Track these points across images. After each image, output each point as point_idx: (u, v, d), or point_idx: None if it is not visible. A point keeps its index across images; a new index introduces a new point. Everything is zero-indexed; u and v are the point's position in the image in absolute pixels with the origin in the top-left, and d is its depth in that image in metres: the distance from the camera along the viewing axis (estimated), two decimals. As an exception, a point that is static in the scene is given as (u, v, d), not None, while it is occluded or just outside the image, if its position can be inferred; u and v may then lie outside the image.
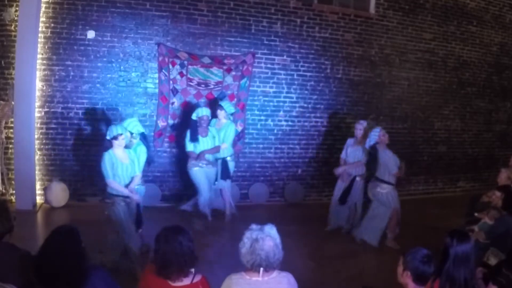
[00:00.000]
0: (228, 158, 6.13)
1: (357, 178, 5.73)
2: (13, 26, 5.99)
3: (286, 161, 7.53)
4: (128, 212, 4.29)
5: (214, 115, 6.15)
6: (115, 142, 4.26)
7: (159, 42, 6.57)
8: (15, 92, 5.91)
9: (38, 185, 6.37)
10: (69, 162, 6.42)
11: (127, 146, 4.50)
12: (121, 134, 4.28)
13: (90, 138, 6.46)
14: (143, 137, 4.86)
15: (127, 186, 4.32)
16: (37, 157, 6.32)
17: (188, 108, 6.68)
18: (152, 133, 6.71)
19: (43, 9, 6.07)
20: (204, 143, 5.80)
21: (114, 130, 4.27)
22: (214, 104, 6.48)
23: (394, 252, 5.04)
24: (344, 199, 5.71)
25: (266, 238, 2.34)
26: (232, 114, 6.31)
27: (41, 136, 6.35)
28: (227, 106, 6.22)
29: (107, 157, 4.25)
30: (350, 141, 5.94)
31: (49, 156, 6.42)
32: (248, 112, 7.17)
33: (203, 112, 5.80)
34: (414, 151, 8.29)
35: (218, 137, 5.91)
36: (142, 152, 4.73)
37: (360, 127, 5.80)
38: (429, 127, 8.59)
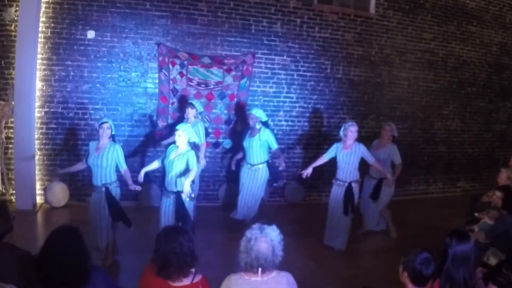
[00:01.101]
0: None
1: (353, 185, 5.32)
2: (13, 26, 6.00)
3: (286, 161, 7.50)
4: (167, 208, 4.51)
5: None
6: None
7: (159, 42, 6.57)
8: (15, 92, 5.91)
9: (38, 185, 6.37)
10: (69, 162, 6.40)
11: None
12: (176, 130, 4.50)
13: (90, 138, 6.45)
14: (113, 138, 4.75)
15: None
16: (37, 157, 6.32)
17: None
18: (152, 134, 6.73)
19: (43, 9, 6.07)
20: (250, 143, 5.80)
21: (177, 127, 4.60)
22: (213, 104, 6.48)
23: (394, 252, 5.04)
24: (347, 209, 5.30)
25: (261, 239, 2.34)
26: (200, 113, 6.07)
27: (41, 136, 6.35)
28: (198, 104, 6.07)
29: (168, 148, 4.66)
30: (338, 145, 5.42)
31: (49, 156, 6.42)
32: (248, 112, 7.16)
33: (250, 110, 5.98)
34: (414, 151, 8.28)
35: (260, 140, 5.79)
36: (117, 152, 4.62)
37: (355, 129, 5.31)
38: (429, 127, 8.59)
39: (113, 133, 4.63)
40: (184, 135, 4.45)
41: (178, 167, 4.41)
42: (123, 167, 4.59)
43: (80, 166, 4.90)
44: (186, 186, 4.23)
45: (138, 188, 4.60)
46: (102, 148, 4.55)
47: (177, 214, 4.43)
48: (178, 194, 4.42)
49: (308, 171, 5.43)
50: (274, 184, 6.07)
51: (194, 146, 4.60)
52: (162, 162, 4.62)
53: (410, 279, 2.36)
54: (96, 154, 4.54)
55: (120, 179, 4.68)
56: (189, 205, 4.52)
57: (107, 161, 4.50)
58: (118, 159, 4.55)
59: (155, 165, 4.78)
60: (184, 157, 4.42)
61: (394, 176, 5.69)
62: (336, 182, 5.41)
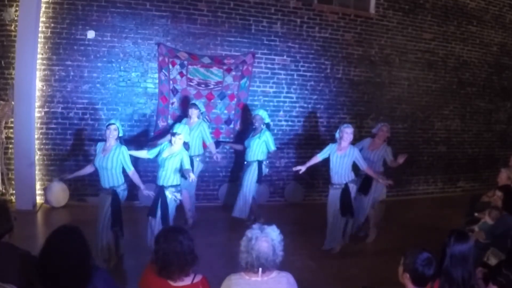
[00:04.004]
0: (197, 159, 5.83)
1: (350, 184, 5.20)
2: (13, 26, 6.00)
3: (286, 161, 7.53)
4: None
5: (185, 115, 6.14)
6: (172, 138, 4.63)
7: (159, 42, 6.57)
8: (15, 92, 5.92)
9: (38, 185, 6.37)
10: (69, 162, 6.42)
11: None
12: (177, 134, 4.60)
13: (90, 138, 6.46)
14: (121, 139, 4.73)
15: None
16: (37, 157, 6.32)
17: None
18: (152, 133, 6.72)
19: (43, 9, 6.07)
20: (250, 142, 5.99)
21: (174, 128, 4.72)
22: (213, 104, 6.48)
23: (394, 252, 5.04)
24: (345, 211, 5.19)
25: (262, 238, 2.34)
26: (201, 113, 6.08)
27: (41, 136, 6.35)
28: (201, 105, 6.12)
29: (162, 146, 4.80)
30: (333, 146, 5.31)
31: (49, 156, 6.42)
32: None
33: (257, 112, 6.14)
34: (414, 151, 8.28)
35: (259, 139, 5.96)
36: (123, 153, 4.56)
37: (350, 131, 5.17)
38: (429, 127, 8.59)
39: (120, 134, 4.59)
40: (184, 138, 4.66)
41: (170, 165, 4.58)
42: (130, 169, 4.53)
43: (88, 169, 4.75)
44: (192, 176, 4.53)
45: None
46: (108, 149, 4.48)
47: (154, 203, 4.62)
48: (161, 188, 4.61)
49: (302, 168, 5.41)
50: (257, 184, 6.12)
51: (185, 145, 4.79)
52: (156, 157, 4.79)
53: (411, 279, 2.35)
54: (102, 156, 4.47)
55: (128, 179, 4.69)
56: (171, 204, 4.64)
57: (113, 163, 4.42)
58: (124, 161, 4.47)
59: (143, 154, 5.02)
60: (178, 157, 4.60)
61: (396, 164, 5.57)
62: (333, 186, 5.29)
